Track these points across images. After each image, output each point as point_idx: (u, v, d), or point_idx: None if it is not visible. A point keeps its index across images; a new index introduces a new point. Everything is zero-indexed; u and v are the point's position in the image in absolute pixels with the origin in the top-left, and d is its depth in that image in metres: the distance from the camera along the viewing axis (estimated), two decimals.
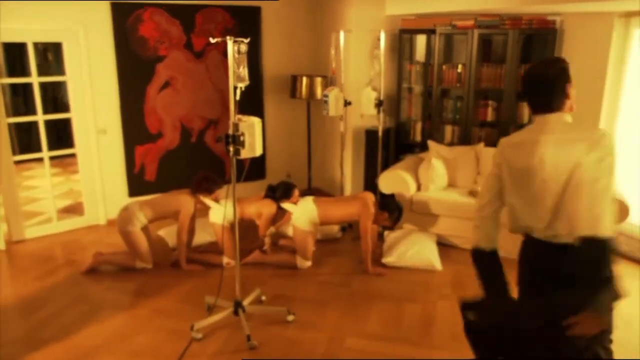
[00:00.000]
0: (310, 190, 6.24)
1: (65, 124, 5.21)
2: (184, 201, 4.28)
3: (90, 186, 5.29)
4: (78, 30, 4.90)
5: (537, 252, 2.31)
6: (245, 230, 4.81)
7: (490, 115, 5.48)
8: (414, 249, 4.44)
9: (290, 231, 4.94)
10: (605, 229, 1.96)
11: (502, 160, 2.33)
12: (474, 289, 4.10)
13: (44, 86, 5.27)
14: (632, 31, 4.59)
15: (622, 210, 4.09)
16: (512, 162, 2.27)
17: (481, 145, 5.23)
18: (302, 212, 4.31)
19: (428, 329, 3.47)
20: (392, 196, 4.98)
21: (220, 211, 4.21)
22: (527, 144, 2.23)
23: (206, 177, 4.34)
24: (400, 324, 3.54)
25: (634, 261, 4.57)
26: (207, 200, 4.31)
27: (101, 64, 5.09)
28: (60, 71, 5.19)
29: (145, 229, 4.31)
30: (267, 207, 4.43)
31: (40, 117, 4.90)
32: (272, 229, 4.60)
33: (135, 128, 5.39)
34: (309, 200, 4.37)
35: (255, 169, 6.15)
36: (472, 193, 4.88)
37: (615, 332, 3.40)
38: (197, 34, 5.56)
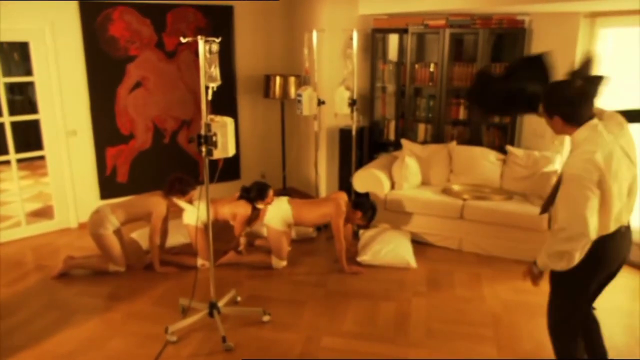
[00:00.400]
0: (285, 190, 6.24)
1: (34, 126, 5.09)
2: (155, 203, 4.23)
3: (60, 189, 5.19)
4: (45, 29, 4.79)
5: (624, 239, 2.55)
6: (219, 231, 4.78)
7: (462, 113, 5.56)
8: (388, 247, 4.47)
9: (264, 231, 4.93)
10: None
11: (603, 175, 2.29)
12: (449, 286, 4.17)
13: (12, 87, 5.14)
14: (597, 31, 4.71)
15: None
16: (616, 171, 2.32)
17: (454, 143, 5.30)
18: (276, 212, 4.30)
19: (403, 326, 3.50)
20: (366, 195, 5.01)
21: (193, 212, 4.17)
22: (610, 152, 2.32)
23: (179, 179, 4.30)
24: (376, 322, 3.56)
25: None
26: (180, 202, 4.27)
27: (70, 64, 4.99)
28: (28, 71, 5.07)
29: (117, 232, 4.24)
30: (242, 208, 4.41)
31: (6, 119, 4.78)
32: (247, 229, 4.59)
33: (106, 129, 5.30)
34: (283, 201, 4.37)
35: (229, 169, 6.11)
36: (446, 191, 4.94)
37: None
38: (169, 34, 5.49)
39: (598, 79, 2.53)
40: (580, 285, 2.55)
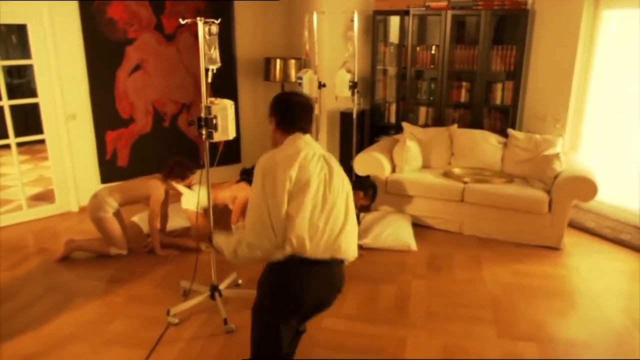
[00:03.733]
0: None
1: (34, 110, 5.07)
2: (153, 186, 4.22)
3: (60, 173, 5.18)
4: (42, 11, 4.74)
5: None
6: (220, 214, 4.77)
7: (463, 96, 5.53)
8: (389, 230, 4.48)
9: None
10: None
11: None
12: (449, 268, 4.19)
13: (11, 70, 5.11)
14: (600, 12, 4.65)
15: (591, 189, 4.19)
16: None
17: (455, 126, 5.28)
18: None
19: (403, 308, 3.52)
20: (366, 176, 5.00)
21: (192, 197, 4.16)
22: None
23: (178, 163, 4.27)
24: (376, 304, 3.58)
25: (601, 238, 4.69)
26: (179, 187, 4.26)
27: (68, 46, 4.95)
28: (26, 54, 5.03)
29: (118, 215, 4.25)
30: (243, 191, 4.38)
31: (5, 102, 4.75)
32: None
33: (105, 113, 5.28)
34: None
35: (230, 153, 6.10)
36: (447, 174, 4.94)
37: (583, 308, 3.52)
38: (168, 16, 5.44)
39: None
40: None
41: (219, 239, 2.48)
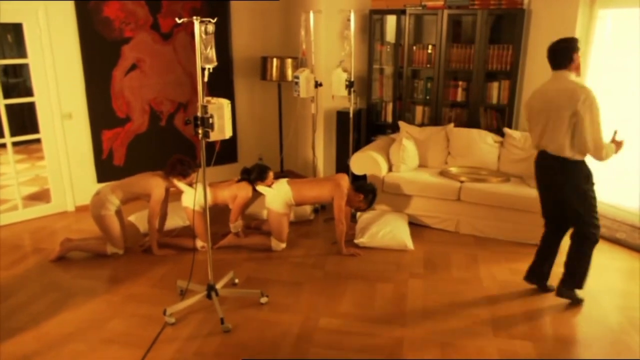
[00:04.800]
0: (283, 173, 6.23)
1: (30, 109, 5.06)
2: (155, 185, 4.21)
3: (56, 172, 5.17)
4: (38, 10, 4.73)
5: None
6: (219, 214, 4.78)
7: (460, 95, 5.54)
8: (386, 230, 4.49)
9: (263, 213, 4.94)
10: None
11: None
12: (446, 267, 4.20)
13: (7, 70, 5.09)
14: (596, 11, 4.67)
15: None
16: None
17: (451, 125, 5.29)
18: (277, 195, 4.30)
19: (400, 307, 3.52)
20: (365, 178, 5.01)
21: (193, 195, 4.17)
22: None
23: (180, 160, 4.27)
24: (373, 303, 3.59)
25: None
26: (181, 184, 4.26)
27: (64, 45, 4.94)
28: (22, 53, 5.02)
29: (118, 214, 4.25)
30: (243, 190, 4.40)
31: (1, 102, 4.73)
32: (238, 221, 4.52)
33: (102, 112, 5.27)
34: (283, 183, 4.37)
35: (227, 152, 6.10)
36: (443, 173, 4.95)
37: (576, 307, 3.53)
38: (164, 15, 5.43)
39: None
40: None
41: None
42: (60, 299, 3.62)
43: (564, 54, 3.30)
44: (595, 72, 4.79)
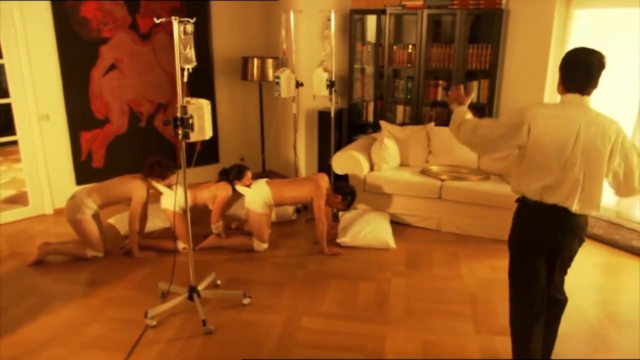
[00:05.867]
0: (265, 173, 6.22)
1: (6, 110, 4.96)
2: (135, 187, 4.16)
3: (34, 175, 5.09)
4: (13, 10, 4.64)
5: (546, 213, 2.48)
6: (199, 215, 4.75)
7: (440, 94, 5.59)
8: (368, 229, 4.50)
9: (243, 214, 4.92)
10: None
11: (530, 123, 2.43)
12: (428, 265, 4.22)
13: None
14: (572, 11, 4.74)
15: None
16: (544, 129, 2.40)
17: (432, 124, 5.33)
18: (256, 195, 4.29)
19: (382, 306, 3.54)
20: (346, 180, 5.02)
21: (172, 197, 4.13)
22: (564, 117, 2.42)
23: (159, 162, 4.23)
24: (355, 302, 3.60)
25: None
26: (159, 186, 4.22)
27: (41, 46, 4.86)
28: None
29: (96, 216, 4.19)
30: (223, 190, 4.38)
31: None
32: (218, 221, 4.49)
33: (80, 113, 5.20)
34: (262, 183, 4.36)
35: (208, 153, 6.06)
36: (424, 172, 4.98)
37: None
38: (143, 15, 5.38)
39: None
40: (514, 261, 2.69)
41: None
42: (38, 303, 3.56)
43: (599, 73, 2.51)
44: None
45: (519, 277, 2.68)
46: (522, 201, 2.62)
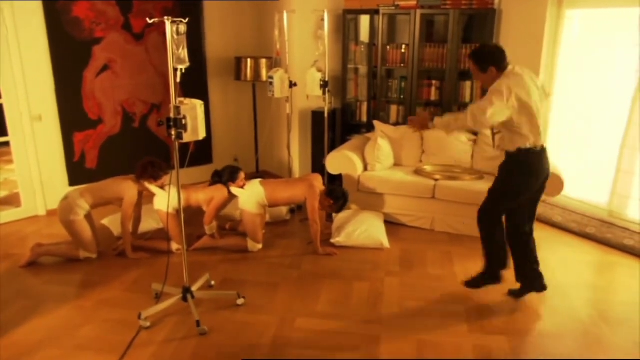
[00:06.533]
0: (259, 173, 6.21)
1: None
2: (127, 188, 4.15)
3: (26, 176, 5.06)
4: (4, 9, 4.61)
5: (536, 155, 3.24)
6: (192, 216, 4.74)
7: (433, 94, 5.60)
8: (362, 229, 4.51)
9: (237, 214, 4.91)
10: None
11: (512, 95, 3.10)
12: (421, 265, 4.23)
13: None
14: (563, 12, 4.77)
15: (557, 184, 4.29)
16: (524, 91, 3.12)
17: None
18: (250, 195, 4.28)
19: (376, 306, 3.54)
20: (340, 180, 5.02)
21: (165, 198, 4.12)
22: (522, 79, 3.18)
23: (151, 163, 4.22)
24: (349, 302, 3.60)
25: (567, 231, 4.82)
26: (152, 187, 4.21)
27: (32, 46, 4.83)
28: None
29: (88, 218, 4.17)
30: (219, 192, 4.37)
31: None
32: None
33: (72, 114, 5.17)
34: (255, 183, 4.36)
35: (201, 153, 6.05)
36: (418, 171, 4.99)
37: (551, 300, 3.61)
38: (136, 15, 5.36)
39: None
40: (514, 188, 3.32)
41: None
42: (31, 305, 3.54)
43: None
44: (564, 71, 4.89)
45: (510, 202, 3.41)
46: (518, 152, 3.19)
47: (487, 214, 3.49)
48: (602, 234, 4.56)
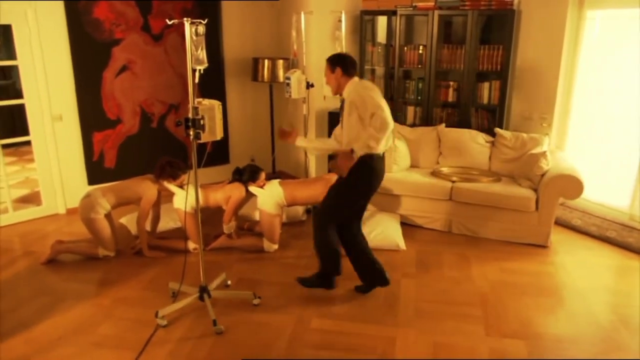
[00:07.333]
0: (275, 174, 6.23)
1: (20, 111, 5.02)
2: (146, 187, 4.20)
3: (47, 175, 5.14)
4: (27, 11, 4.70)
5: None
6: (210, 215, 4.77)
7: (451, 95, 5.56)
8: (378, 230, 4.49)
9: (255, 215, 4.93)
10: None
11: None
12: (438, 267, 4.21)
13: None
14: (584, 12, 4.71)
15: (577, 187, 4.23)
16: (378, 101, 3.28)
17: (442, 125, 5.30)
18: (269, 196, 4.29)
19: (392, 307, 3.53)
20: None
21: (184, 197, 4.15)
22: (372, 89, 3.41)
23: (170, 163, 4.26)
24: (365, 303, 3.59)
25: (587, 235, 4.75)
26: (171, 186, 4.24)
27: (54, 47, 4.91)
28: (11, 55, 4.99)
29: (108, 217, 4.22)
30: (237, 190, 4.39)
31: None
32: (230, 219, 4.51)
33: (92, 114, 5.25)
34: (274, 183, 4.37)
35: (218, 154, 6.09)
36: (435, 173, 4.96)
37: (569, 304, 3.56)
38: (155, 16, 5.42)
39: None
40: (358, 192, 3.46)
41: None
42: (50, 302, 3.60)
43: None
44: (584, 72, 4.83)
45: (352, 209, 3.56)
46: (370, 157, 3.28)
47: (327, 217, 3.51)
48: (623, 238, 4.49)
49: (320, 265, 3.63)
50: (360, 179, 3.37)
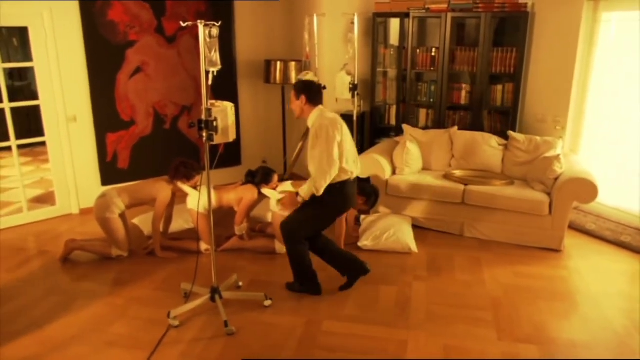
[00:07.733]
0: (287, 176, 6.23)
1: (35, 112, 5.08)
2: (160, 188, 4.23)
3: (61, 175, 5.19)
4: (43, 13, 4.76)
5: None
6: (222, 217, 4.79)
7: (464, 98, 5.54)
8: (389, 232, 4.48)
9: (268, 216, 4.94)
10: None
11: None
12: (449, 270, 4.18)
13: (12, 73, 5.11)
14: (599, 14, 4.66)
15: (591, 191, 4.19)
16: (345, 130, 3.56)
17: (455, 128, 5.28)
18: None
19: (404, 310, 3.52)
20: (368, 180, 5.01)
21: (197, 197, 4.17)
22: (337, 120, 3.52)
23: (184, 163, 4.29)
24: (376, 305, 3.58)
25: (601, 239, 4.70)
26: (185, 187, 4.27)
27: (69, 49, 4.97)
28: (27, 57, 5.05)
29: (122, 216, 4.26)
30: (249, 192, 4.40)
31: (6, 105, 4.77)
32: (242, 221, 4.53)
33: (106, 115, 5.30)
34: (287, 185, 4.37)
35: (230, 155, 6.12)
36: (447, 176, 4.94)
37: (583, 309, 3.52)
38: (169, 18, 5.46)
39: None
40: (329, 213, 3.64)
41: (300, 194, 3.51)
42: (64, 301, 3.63)
43: None
44: (599, 74, 4.78)
45: (322, 226, 3.70)
46: (342, 183, 3.49)
47: (296, 234, 3.62)
48: (638, 243, 4.43)
49: (299, 278, 3.75)
50: (333, 201, 3.54)
